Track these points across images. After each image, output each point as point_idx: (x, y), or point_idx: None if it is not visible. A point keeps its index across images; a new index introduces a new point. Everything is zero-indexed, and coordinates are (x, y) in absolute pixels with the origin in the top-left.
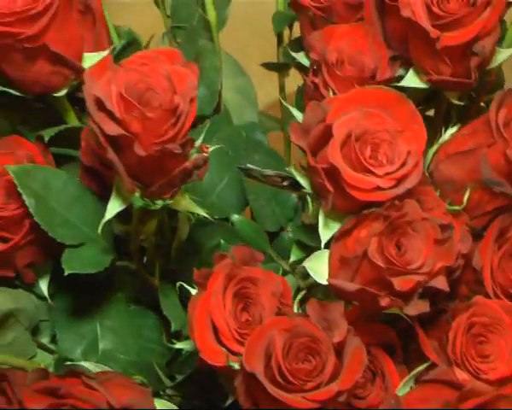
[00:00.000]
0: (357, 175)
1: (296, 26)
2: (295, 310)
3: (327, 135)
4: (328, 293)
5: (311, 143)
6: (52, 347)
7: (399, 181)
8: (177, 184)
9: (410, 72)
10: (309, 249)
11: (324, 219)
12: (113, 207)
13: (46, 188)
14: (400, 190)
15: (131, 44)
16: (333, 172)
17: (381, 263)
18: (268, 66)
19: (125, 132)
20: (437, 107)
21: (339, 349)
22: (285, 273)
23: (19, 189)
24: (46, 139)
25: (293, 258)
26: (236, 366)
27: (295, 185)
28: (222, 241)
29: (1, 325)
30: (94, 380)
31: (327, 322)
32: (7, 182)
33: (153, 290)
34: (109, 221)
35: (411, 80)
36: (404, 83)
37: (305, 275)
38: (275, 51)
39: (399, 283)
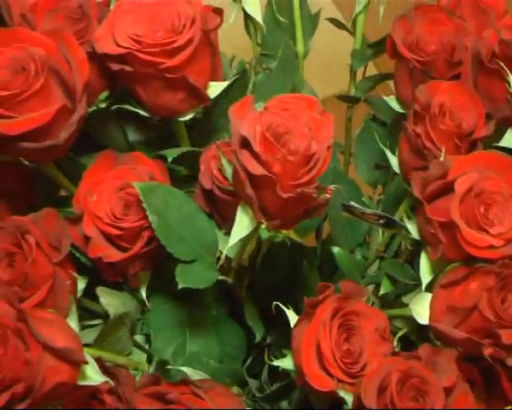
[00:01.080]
0: (474, 233)
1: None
2: (395, 344)
3: (444, 190)
4: (410, 326)
5: (427, 196)
6: (143, 344)
7: (509, 241)
8: (299, 220)
9: (509, 133)
10: (398, 283)
11: (426, 264)
12: (237, 233)
13: (165, 205)
14: (510, 250)
15: (243, 75)
16: (449, 226)
17: (491, 317)
18: (341, 98)
19: (268, 173)
20: None
21: (447, 393)
22: None
23: (144, 205)
24: (169, 160)
25: (382, 290)
26: (342, 394)
27: (390, 224)
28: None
29: (114, 327)
30: (201, 389)
31: (434, 365)
32: (126, 195)
33: (232, 299)
34: (216, 240)
35: (510, 141)
36: (502, 143)
37: (388, 305)
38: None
39: (507, 335)
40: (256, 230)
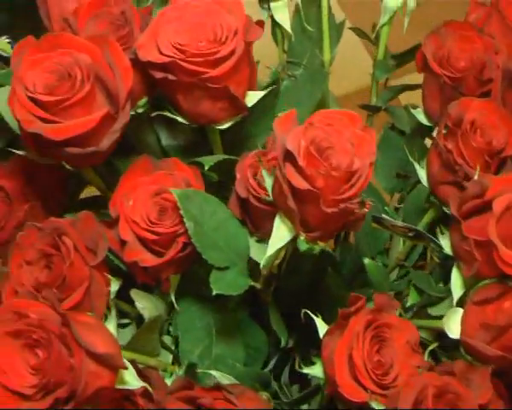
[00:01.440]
0: (511, 252)
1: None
2: (426, 358)
3: (481, 208)
4: (433, 338)
5: (463, 213)
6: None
7: None
8: (337, 233)
9: None
10: (425, 294)
11: (458, 279)
12: (274, 244)
13: (201, 212)
14: None
15: (275, 84)
16: (485, 245)
17: None
18: (363, 107)
19: (312, 188)
20: None
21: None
22: None
23: (181, 211)
24: (206, 168)
25: (410, 301)
26: (374, 405)
27: (419, 237)
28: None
29: (148, 330)
30: (233, 395)
31: (468, 381)
32: (162, 200)
33: (257, 302)
34: (248, 247)
35: None
36: None
37: (415, 316)
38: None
39: None
40: (293, 241)
